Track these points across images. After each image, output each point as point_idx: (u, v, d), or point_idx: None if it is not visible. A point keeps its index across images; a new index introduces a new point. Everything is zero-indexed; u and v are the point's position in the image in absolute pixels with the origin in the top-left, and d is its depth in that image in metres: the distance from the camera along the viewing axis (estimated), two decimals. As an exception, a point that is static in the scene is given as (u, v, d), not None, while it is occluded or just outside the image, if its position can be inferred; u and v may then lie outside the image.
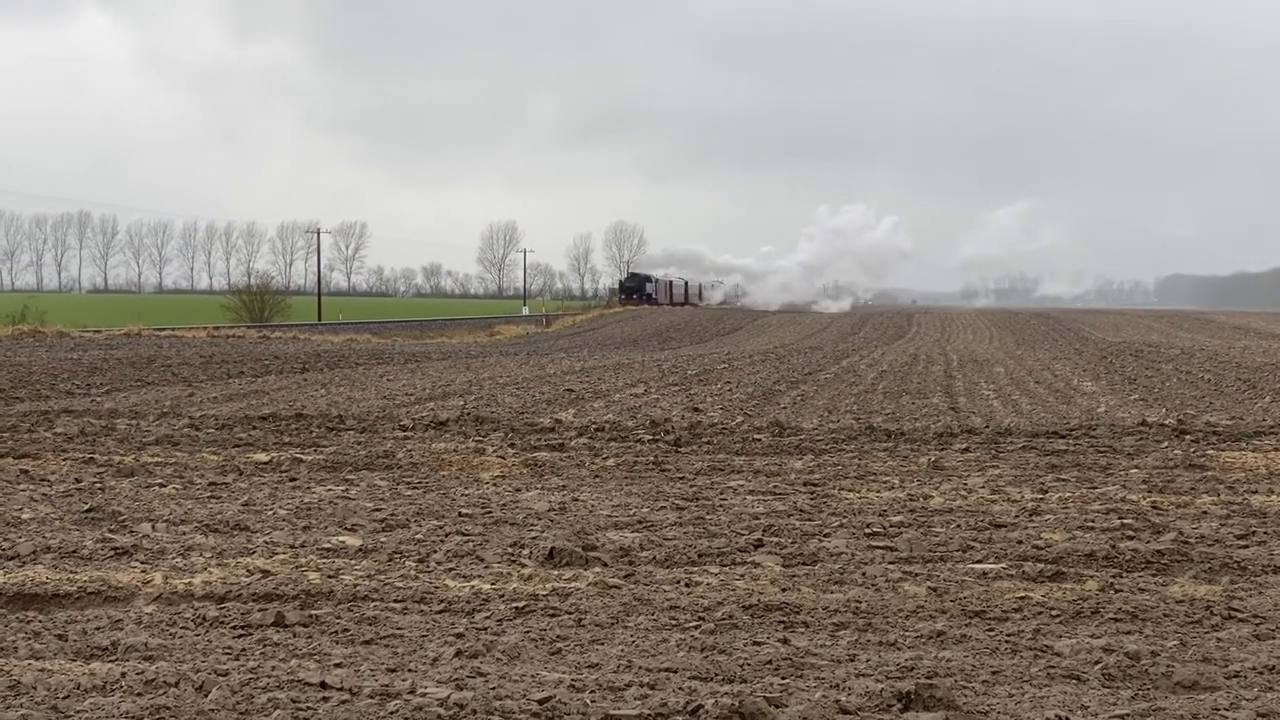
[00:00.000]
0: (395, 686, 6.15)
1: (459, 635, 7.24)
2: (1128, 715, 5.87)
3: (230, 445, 16.12)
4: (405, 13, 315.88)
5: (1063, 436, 17.35)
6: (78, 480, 13.05)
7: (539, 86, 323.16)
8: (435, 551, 9.48)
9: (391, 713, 5.80)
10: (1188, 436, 17.22)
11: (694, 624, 7.53)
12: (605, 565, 9.06)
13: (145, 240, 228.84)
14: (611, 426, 18.45)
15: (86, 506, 11.32)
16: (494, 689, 6.13)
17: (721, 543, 9.80)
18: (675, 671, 6.52)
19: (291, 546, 9.64)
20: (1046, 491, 12.49)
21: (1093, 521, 10.80)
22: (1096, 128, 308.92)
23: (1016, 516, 11.06)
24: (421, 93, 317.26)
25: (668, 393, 26.35)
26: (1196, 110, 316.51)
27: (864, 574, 8.75)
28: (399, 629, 7.40)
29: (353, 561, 9.17)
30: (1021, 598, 8.11)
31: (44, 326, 50.99)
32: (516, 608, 7.88)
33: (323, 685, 6.18)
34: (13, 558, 9.21)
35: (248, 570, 8.78)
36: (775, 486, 12.91)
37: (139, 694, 6.10)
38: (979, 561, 9.21)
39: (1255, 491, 12.50)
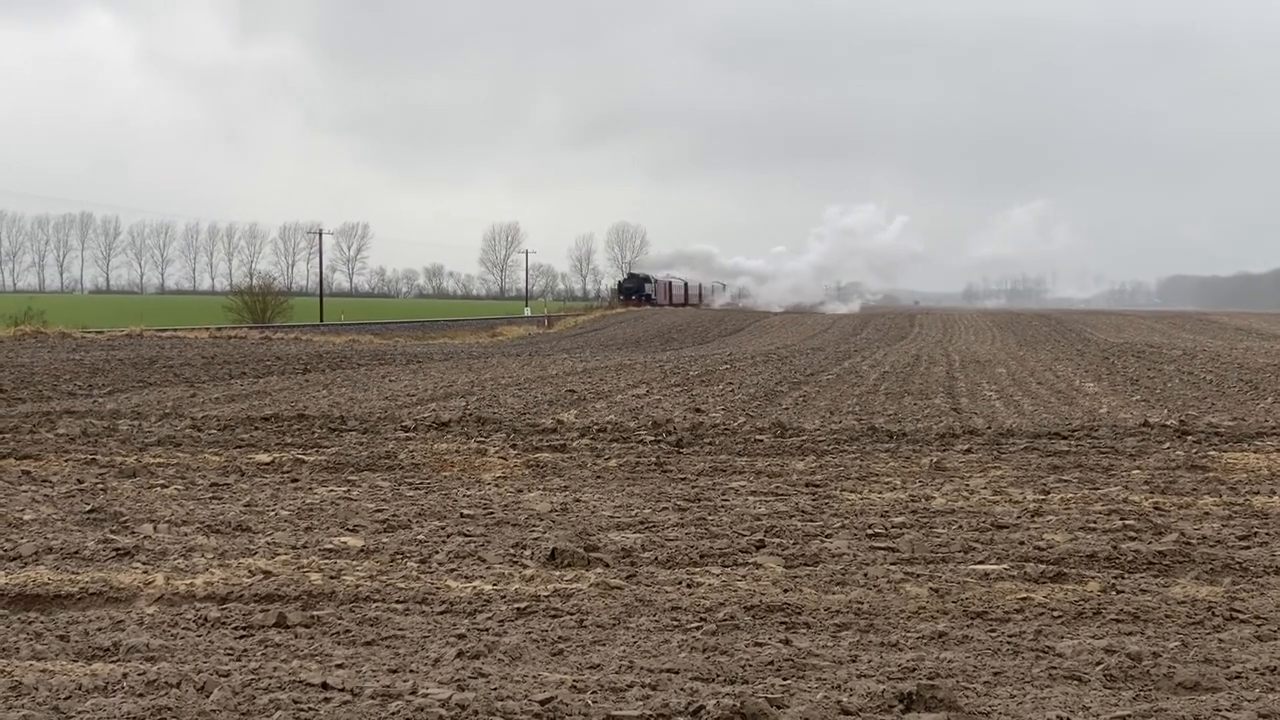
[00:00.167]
0: (397, 687, 6.15)
1: (461, 636, 7.24)
2: (1129, 716, 5.87)
3: (232, 446, 16.12)
4: (407, 13, 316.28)
5: (1065, 437, 17.34)
6: (80, 481, 13.06)
7: (541, 87, 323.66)
8: (437, 552, 9.48)
9: (393, 713, 5.80)
10: (1190, 437, 17.21)
11: (696, 625, 7.53)
12: (607, 566, 9.06)
13: (147, 241, 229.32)
14: (613, 427, 18.46)
15: (88, 507, 11.32)
16: (495, 690, 6.13)
17: (723, 543, 9.80)
18: (677, 672, 6.52)
19: (293, 547, 9.64)
20: (1048, 492, 12.49)
21: (1094, 522, 10.79)
22: (1097, 128, 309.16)
23: (1018, 517, 11.05)
24: (424, 93, 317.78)
25: (670, 393, 26.35)
26: (1198, 110, 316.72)
27: (866, 575, 8.74)
28: (401, 630, 7.40)
29: (354, 562, 9.17)
30: (1023, 599, 8.11)
31: (46, 327, 50.98)
32: (518, 608, 7.88)
33: (324, 686, 6.18)
34: (15, 559, 9.22)
35: (249, 571, 8.79)
36: (777, 487, 12.91)
37: (141, 694, 6.11)
38: (981, 562, 9.20)
39: (1257, 492, 12.49)
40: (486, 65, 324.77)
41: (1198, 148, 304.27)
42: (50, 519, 10.85)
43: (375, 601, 8.08)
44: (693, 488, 12.90)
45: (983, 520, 10.90)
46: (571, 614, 7.78)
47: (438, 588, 8.39)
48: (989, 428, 18.86)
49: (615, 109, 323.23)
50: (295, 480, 13.35)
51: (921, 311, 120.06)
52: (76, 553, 9.40)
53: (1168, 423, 19.25)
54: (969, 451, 15.75)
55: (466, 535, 10.16)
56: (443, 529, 10.43)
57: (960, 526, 10.62)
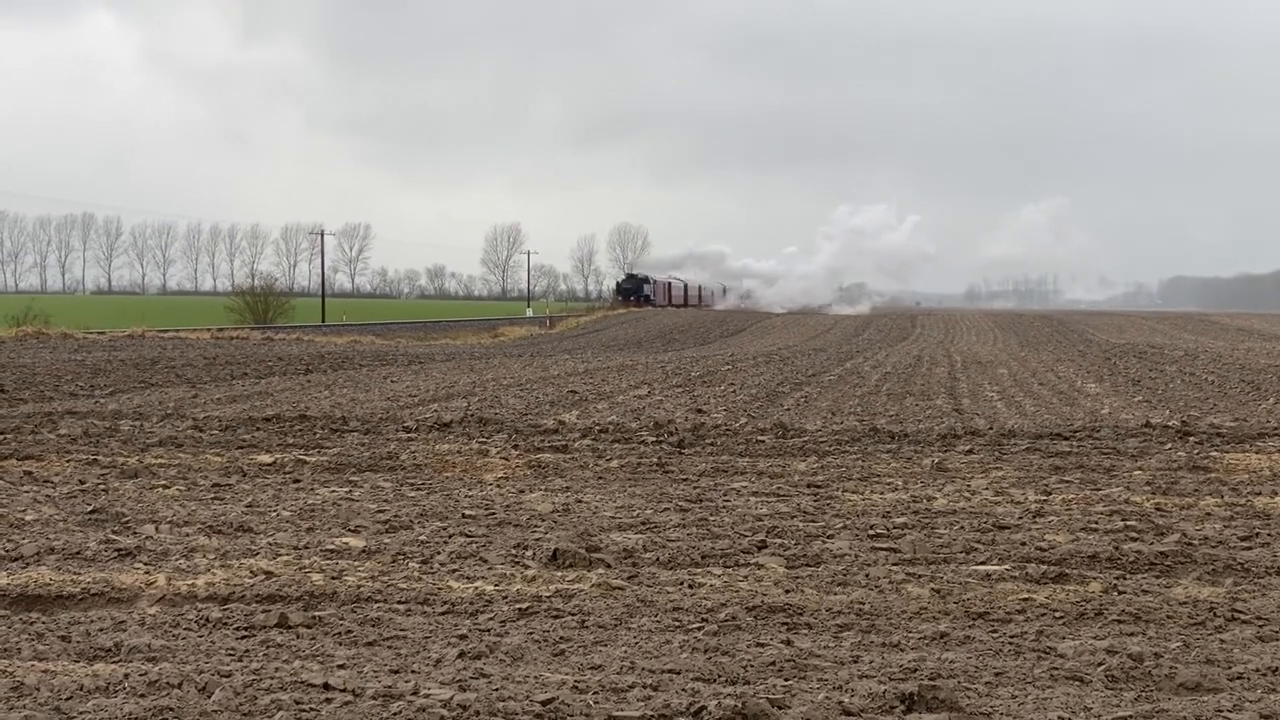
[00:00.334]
0: (398, 688, 6.15)
1: (462, 636, 7.24)
2: (1131, 717, 5.87)
3: (234, 447, 16.13)
4: (410, 14, 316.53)
5: (1066, 438, 17.34)
6: (81, 482, 13.06)
7: (542, 87, 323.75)
8: (439, 553, 9.48)
9: (395, 714, 5.81)
10: (1191, 438, 17.21)
11: (697, 625, 7.53)
12: (609, 567, 9.06)
13: (149, 242, 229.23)
14: (615, 428, 18.46)
15: (90, 508, 11.33)
16: (497, 690, 6.13)
17: (725, 544, 9.80)
18: (678, 673, 6.52)
19: (295, 548, 9.65)
20: (1050, 493, 12.49)
21: (1096, 523, 10.79)
22: (1098, 129, 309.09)
23: (1020, 518, 11.05)
24: (425, 94, 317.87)
25: (671, 394, 26.36)
26: (1200, 112, 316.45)
27: (867, 575, 8.74)
28: (402, 630, 7.40)
29: (356, 563, 9.17)
30: (1025, 599, 8.11)
31: (48, 328, 51.01)
32: (520, 609, 7.88)
33: (326, 686, 6.19)
34: (16, 559, 9.23)
35: (251, 572, 8.79)
36: (779, 488, 12.91)
37: (142, 695, 6.11)
38: (982, 563, 9.20)
39: (1259, 493, 12.49)
40: (488, 66, 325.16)
41: (1200, 149, 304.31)
42: (52, 519, 10.86)
43: (377, 602, 8.09)
44: (694, 488, 12.90)
45: (984, 521, 10.90)
46: (573, 614, 7.78)
47: (439, 588, 8.39)
48: (991, 428, 18.86)
49: (617, 109, 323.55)
50: (297, 481, 13.35)
51: (923, 312, 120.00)
52: (78, 553, 9.41)
53: (1169, 423, 19.24)
54: (971, 452, 15.74)
55: (468, 536, 10.16)
56: (444, 529, 10.43)
57: (962, 527, 10.62)
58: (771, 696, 6.03)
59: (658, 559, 9.34)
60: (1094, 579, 8.64)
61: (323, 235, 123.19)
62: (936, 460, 14.79)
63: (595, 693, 6.15)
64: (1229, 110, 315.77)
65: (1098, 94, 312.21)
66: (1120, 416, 21.41)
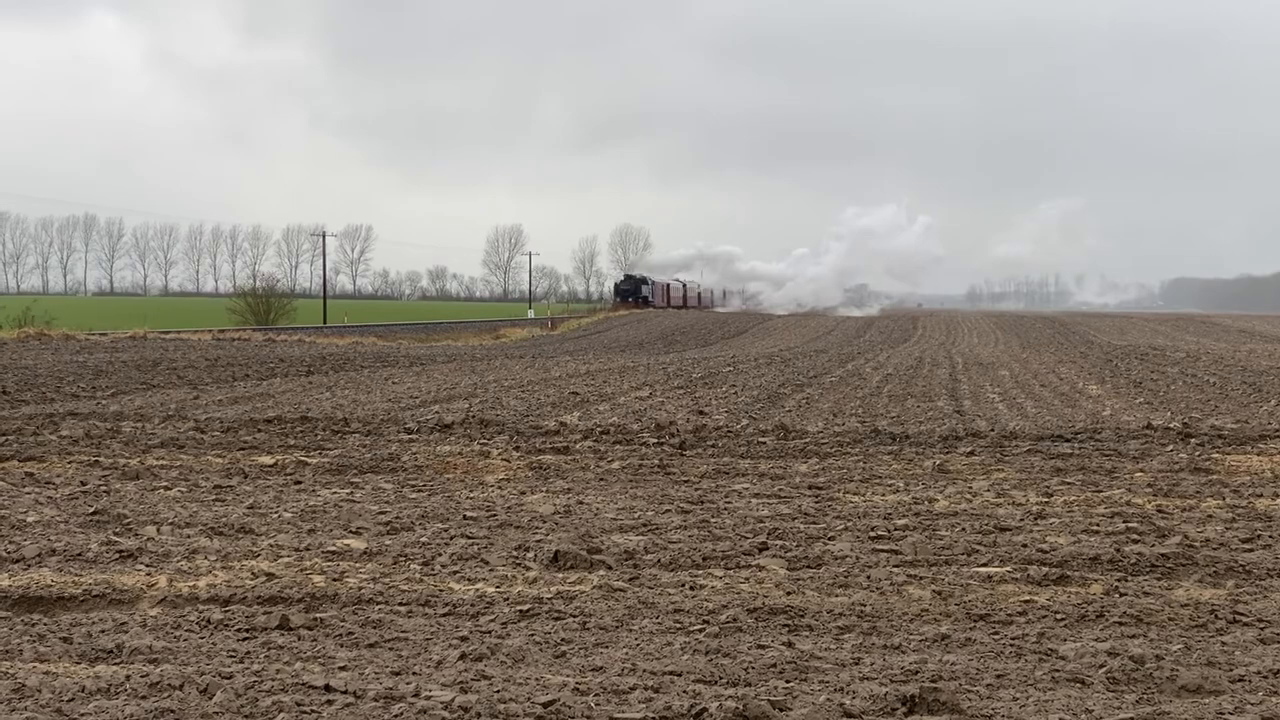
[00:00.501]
0: (400, 689, 6.16)
1: (463, 638, 7.24)
2: (1132, 719, 5.87)
3: (235, 448, 16.13)
4: (413, 16, 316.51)
5: (1068, 440, 17.33)
6: (83, 483, 13.07)
7: (545, 89, 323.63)
8: (440, 554, 9.48)
9: (396, 715, 5.81)
10: (1193, 440, 17.20)
11: (698, 627, 7.53)
12: (610, 568, 9.06)
13: (151, 243, 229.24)
14: (616, 429, 18.46)
15: (91, 509, 11.33)
16: (498, 692, 6.14)
17: (726, 546, 9.80)
18: (679, 675, 6.53)
19: (296, 549, 9.65)
20: (1051, 495, 12.48)
21: (1097, 525, 10.79)
22: (1100, 130, 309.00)
23: (1021, 520, 11.05)
24: (428, 96, 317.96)
25: (673, 396, 26.36)
26: (1202, 113, 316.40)
27: (868, 577, 8.74)
28: (403, 632, 7.40)
29: (357, 564, 9.17)
30: (1026, 601, 8.10)
31: (49, 329, 51.01)
32: (521, 611, 7.88)
33: (327, 688, 6.19)
34: (18, 560, 9.23)
35: (252, 573, 8.79)
36: (780, 490, 12.91)
37: (143, 697, 6.11)
38: (983, 565, 9.20)
39: (1260, 495, 12.48)
40: (490, 67, 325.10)
41: (1202, 150, 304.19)
42: (53, 521, 10.86)
43: (378, 604, 8.09)
44: (695, 490, 12.90)
45: (985, 523, 10.90)
46: (574, 616, 7.78)
47: (441, 590, 8.39)
48: (992, 430, 18.85)
49: (619, 111, 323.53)
50: (298, 482, 13.35)
51: (925, 314, 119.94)
52: (80, 555, 9.41)
53: (1171, 425, 19.23)
54: (972, 454, 15.74)
55: (469, 537, 10.17)
56: (445, 531, 10.43)
57: (963, 529, 10.61)
58: (773, 698, 6.03)
59: (659, 560, 9.34)
60: (1095, 581, 8.64)
61: (324, 236, 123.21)
62: (938, 462, 14.79)
63: (596, 694, 6.15)
64: (1230, 111, 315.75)
65: (1100, 94, 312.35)
66: (1122, 418, 21.40)
